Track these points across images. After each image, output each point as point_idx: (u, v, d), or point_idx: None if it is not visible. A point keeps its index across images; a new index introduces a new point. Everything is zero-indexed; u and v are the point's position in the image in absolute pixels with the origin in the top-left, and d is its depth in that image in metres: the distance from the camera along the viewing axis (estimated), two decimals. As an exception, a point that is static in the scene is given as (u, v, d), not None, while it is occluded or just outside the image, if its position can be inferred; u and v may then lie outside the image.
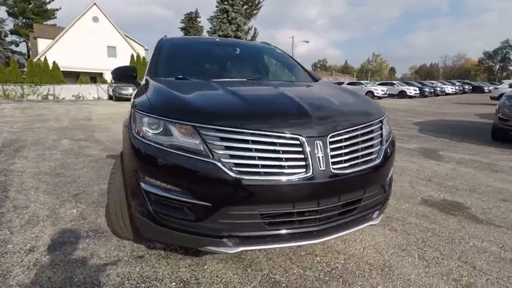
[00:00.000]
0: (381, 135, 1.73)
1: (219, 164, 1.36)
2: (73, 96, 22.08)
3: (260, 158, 1.40)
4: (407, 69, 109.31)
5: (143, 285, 1.63)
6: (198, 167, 1.38)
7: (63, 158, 4.34)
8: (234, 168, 1.36)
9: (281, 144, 1.43)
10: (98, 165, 3.96)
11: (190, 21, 40.84)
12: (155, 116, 1.51)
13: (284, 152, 1.42)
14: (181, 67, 2.58)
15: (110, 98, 21.60)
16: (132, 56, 23.79)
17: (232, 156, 1.39)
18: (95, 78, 27.63)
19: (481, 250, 2.01)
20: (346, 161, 1.51)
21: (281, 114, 1.53)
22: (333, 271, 1.77)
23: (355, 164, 1.53)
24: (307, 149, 1.43)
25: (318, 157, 1.44)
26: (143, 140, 1.50)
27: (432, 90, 26.49)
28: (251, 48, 3.27)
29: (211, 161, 1.37)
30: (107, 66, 26.05)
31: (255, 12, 36.63)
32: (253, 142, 1.41)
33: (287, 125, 1.46)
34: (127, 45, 29.45)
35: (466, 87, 31.79)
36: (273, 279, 1.68)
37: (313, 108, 1.58)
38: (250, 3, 35.56)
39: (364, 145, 1.61)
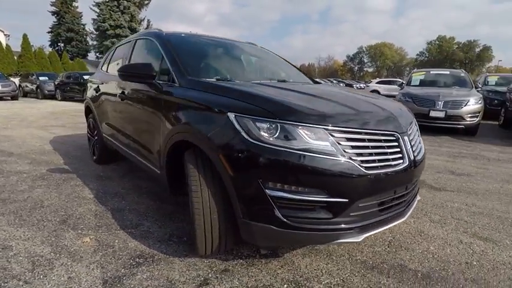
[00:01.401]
0: (417, 129, 2.16)
1: (352, 162, 1.48)
2: None
3: (375, 154, 1.59)
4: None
5: (257, 295, 1.58)
6: (334, 167, 1.45)
7: (-14, 179, 3.28)
8: (362, 165, 1.51)
9: (385, 141, 1.65)
10: (51, 183, 3.18)
11: (65, 5, 34.62)
12: (282, 121, 1.47)
13: (388, 147, 1.65)
14: (208, 67, 2.41)
15: (25, 95, 17.26)
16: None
17: (357, 154, 1.52)
18: None
19: (458, 208, 2.75)
20: (415, 150, 1.85)
21: (378, 115, 1.73)
22: (391, 243, 2.12)
23: (420, 152, 1.90)
24: (402, 143, 1.70)
25: (407, 149, 1.73)
26: (269, 146, 1.45)
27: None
28: (254, 48, 3.27)
29: (345, 160, 1.47)
30: None
31: (146, 2, 33.94)
32: (368, 140, 1.59)
33: (385, 124, 1.69)
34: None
35: (341, 84, 38.44)
36: (356, 258, 1.90)
37: (391, 109, 1.85)
38: (141, -8, 32.73)
39: (419, 137, 2.00)
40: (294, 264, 1.85)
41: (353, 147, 1.52)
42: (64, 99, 15.49)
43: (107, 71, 3.60)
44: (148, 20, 32.06)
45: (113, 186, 3.15)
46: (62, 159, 4.12)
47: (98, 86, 3.54)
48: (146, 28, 30.41)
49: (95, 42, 29.31)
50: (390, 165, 1.62)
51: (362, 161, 1.52)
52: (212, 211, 1.66)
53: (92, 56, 36.40)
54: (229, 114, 1.58)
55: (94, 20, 26.92)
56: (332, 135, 1.49)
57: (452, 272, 1.81)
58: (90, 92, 3.90)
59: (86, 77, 14.65)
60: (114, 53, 3.58)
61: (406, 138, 1.74)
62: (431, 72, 7.94)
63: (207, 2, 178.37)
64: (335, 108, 1.67)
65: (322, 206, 1.49)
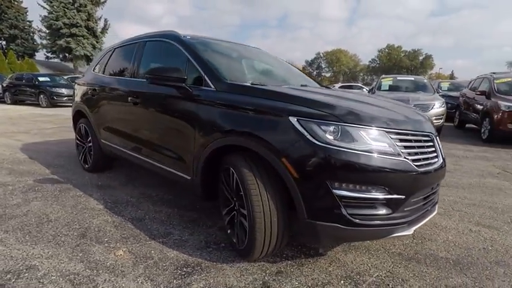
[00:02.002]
0: None
1: (407, 161, 1.61)
2: None
3: (420, 153, 1.73)
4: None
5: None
6: (394, 166, 1.56)
7: (-36, 194, 2.89)
8: (413, 163, 1.64)
9: (425, 141, 1.81)
10: (47, 195, 2.90)
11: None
12: (346, 124, 1.55)
13: (427, 146, 1.81)
14: (235, 71, 2.40)
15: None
16: None
17: (409, 154, 1.65)
18: None
19: (454, 201, 3.07)
20: (441, 149, 2.05)
21: (416, 119, 1.89)
22: (415, 236, 2.30)
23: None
24: (436, 143, 1.88)
25: (440, 148, 1.92)
26: (335, 148, 1.52)
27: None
28: (265, 53, 3.30)
29: (402, 159, 1.59)
30: None
31: (102, 0, 31.99)
32: (414, 141, 1.73)
33: (423, 126, 1.85)
34: None
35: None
36: (392, 251, 2.04)
37: (422, 114, 2.03)
38: (97, -11, 30.75)
39: None
40: (340, 261, 1.93)
41: (405, 147, 1.65)
42: (14, 102, 14.01)
43: (103, 74, 3.39)
44: (105, 19, 30.31)
45: (119, 195, 2.97)
46: (46, 169, 3.76)
47: (95, 89, 3.31)
48: (104, 28, 28.71)
49: (44, 41, 26.85)
50: (431, 163, 1.78)
51: (413, 160, 1.65)
52: (272, 214, 1.68)
53: (40, 55, 33.36)
54: (290, 118, 1.62)
55: (45, 17, 24.66)
56: (390, 137, 1.60)
57: (476, 256, 2.03)
58: (81, 96, 3.62)
59: (41, 78, 13.45)
60: (112, 55, 3.38)
61: (437, 138, 1.93)
62: (397, 78, 8.64)
63: (165, 3, 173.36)
64: (386, 112, 1.79)
65: (382, 203, 1.59)
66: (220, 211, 2.17)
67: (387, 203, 1.60)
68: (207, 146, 2.00)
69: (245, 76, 2.45)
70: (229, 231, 2.06)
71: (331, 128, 1.56)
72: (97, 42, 26.95)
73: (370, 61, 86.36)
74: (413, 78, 8.55)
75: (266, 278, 1.75)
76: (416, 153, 1.70)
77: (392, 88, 8.23)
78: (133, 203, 2.79)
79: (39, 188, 3.11)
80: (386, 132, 1.60)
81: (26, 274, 1.72)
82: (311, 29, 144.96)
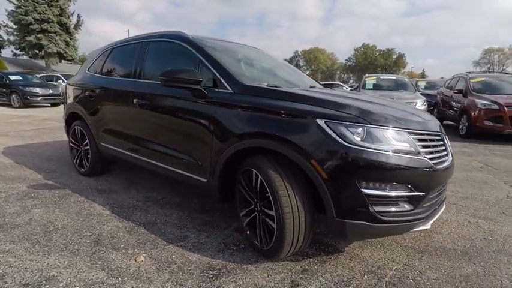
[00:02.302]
0: None
1: (426, 159, 1.70)
2: None
3: (435, 152, 1.84)
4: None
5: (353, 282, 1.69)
6: (416, 164, 1.65)
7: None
8: (431, 161, 1.74)
9: (437, 140, 1.92)
10: (46, 201, 2.78)
11: (-33, -8, 29.13)
12: (373, 126, 1.62)
13: (439, 145, 1.92)
14: (248, 73, 2.40)
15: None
16: None
17: (426, 152, 1.75)
18: None
19: (449, 195, 3.25)
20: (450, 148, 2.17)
21: (428, 119, 1.99)
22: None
23: None
24: (446, 142, 2.00)
25: (449, 146, 2.04)
26: (363, 149, 1.58)
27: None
28: (267, 54, 3.31)
29: (422, 158, 1.69)
30: None
31: (75, -6, 30.50)
32: (429, 140, 1.83)
33: (434, 126, 1.96)
34: None
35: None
36: (404, 245, 2.15)
37: (431, 115, 2.14)
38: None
39: None
40: (359, 257, 2.01)
41: (423, 146, 1.75)
42: (-18, 103, 13.11)
43: (101, 74, 3.27)
44: (78, 14, 28.92)
45: (123, 199, 2.89)
46: (38, 174, 3.59)
47: (93, 91, 3.20)
48: (77, 24, 27.41)
49: (11, 37, 25.23)
50: (444, 161, 1.89)
51: (430, 158, 1.75)
52: (300, 215, 1.72)
53: (7, 52, 31.36)
54: (318, 120, 1.66)
55: (12, 11, 23.12)
56: (411, 138, 1.69)
57: (480, 246, 2.18)
58: (76, 97, 3.48)
59: (12, 77, 12.69)
60: (109, 55, 3.27)
61: (446, 137, 2.05)
62: (381, 77, 8.97)
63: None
64: (404, 114, 1.87)
65: (405, 200, 1.68)
66: (236, 212, 2.19)
67: (409, 200, 1.68)
68: (227, 149, 2.00)
69: (258, 78, 2.46)
70: (248, 232, 2.07)
71: (359, 130, 1.62)
72: (70, 39, 25.67)
73: (346, 59, 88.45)
74: (395, 77, 8.91)
75: (293, 276, 1.79)
76: (431, 152, 1.80)
77: (376, 87, 8.53)
78: (140, 207, 2.73)
79: (36, 194, 2.97)
80: (408, 132, 1.69)
81: (47, 286, 1.66)
82: (289, 27, 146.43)
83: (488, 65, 59.75)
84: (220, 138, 2.05)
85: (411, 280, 1.78)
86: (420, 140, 1.75)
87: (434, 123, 1.99)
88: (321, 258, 1.98)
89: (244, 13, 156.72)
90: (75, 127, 3.51)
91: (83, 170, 3.51)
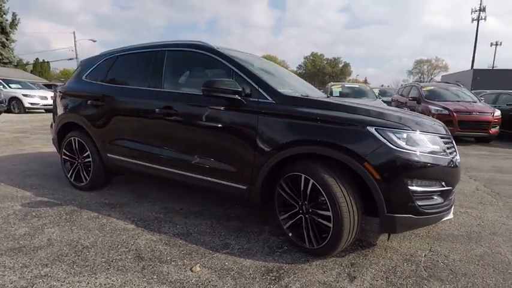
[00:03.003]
0: None
1: (451, 158, 2.01)
2: None
3: (453, 151, 2.17)
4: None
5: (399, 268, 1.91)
6: (447, 163, 1.95)
7: None
8: (453, 160, 2.06)
9: (450, 142, 2.26)
10: (55, 220, 2.56)
11: None
12: (416, 132, 1.88)
13: (452, 146, 2.27)
14: (276, 83, 2.51)
15: None
16: None
17: (449, 153, 2.07)
18: None
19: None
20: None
21: (440, 124, 2.32)
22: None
23: None
24: (454, 143, 2.36)
25: (456, 147, 2.41)
26: (409, 151, 1.82)
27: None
28: (274, 64, 3.45)
29: (448, 157, 1.99)
30: None
31: (8, -10, 27.31)
32: (446, 142, 2.16)
33: (446, 130, 2.30)
34: None
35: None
36: (421, 235, 2.46)
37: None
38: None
39: None
40: (392, 248, 2.25)
41: (447, 148, 2.06)
42: None
43: (107, 82, 3.11)
44: (14, 13, 25.87)
45: (140, 212, 2.79)
46: (26, 191, 3.25)
47: (98, 99, 3.03)
48: (12, 23, 24.51)
49: None
50: (457, 160, 2.23)
51: (452, 157, 2.07)
52: (355, 214, 1.90)
53: None
54: (368, 128, 1.87)
55: None
56: (440, 140, 1.99)
57: (478, 231, 2.59)
58: (73, 106, 3.25)
59: None
60: (115, 62, 3.13)
61: (452, 138, 2.41)
62: (345, 85, 9.69)
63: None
64: (428, 121, 2.17)
65: (438, 194, 1.96)
66: (263, 217, 2.31)
67: (441, 194, 1.97)
68: (273, 156, 2.11)
69: (287, 87, 2.60)
70: (290, 234, 2.19)
71: (404, 135, 1.87)
72: (7, 39, 22.83)
73: (297, 67, 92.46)
74: (358, 86, 9.71)
75: (346, 270, 1.95)
76: (451, 152, 2.13)
77: (342, 94, 9.20)
78: (163, 218, 2.67)
79: (38, 213, 2.71)
80: (438, 136, 1.99)
81: (115, 305, 1.59)
82: (240, 35, 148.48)
83: (420, 75, 67.48)
84: (265, 146, 2.15)
85: (441, 263, 2.07)
86: (444, 143, 2.06)
87: (444, 127, 2.33)
88: (361, 253, 2.18)
89: (195, 18, 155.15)
90: (72, 138, 3.27)
91: (81, 184, 3.27)
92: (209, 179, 2.44)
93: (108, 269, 1.91)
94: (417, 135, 1.91)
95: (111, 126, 2.98)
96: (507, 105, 8.46)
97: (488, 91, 10.77)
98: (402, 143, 1.85)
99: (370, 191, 1.87)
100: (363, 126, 1.89)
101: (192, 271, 1.91)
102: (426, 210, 1.90)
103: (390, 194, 1.84)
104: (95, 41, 31.09)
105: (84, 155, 3.21)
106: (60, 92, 3.49)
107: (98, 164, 3.13)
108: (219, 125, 2.35)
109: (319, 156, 2.01)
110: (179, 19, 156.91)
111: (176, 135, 2.62)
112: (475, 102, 7.93)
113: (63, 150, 3.38)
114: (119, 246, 2.18)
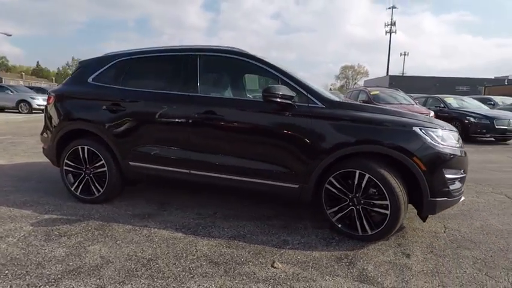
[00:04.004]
0: None
1: (463, 149, 2.51)
2: None
3: (461, 145, 2.68)
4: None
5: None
6: (462, 154, 2.43)
7: None
8: (464, 151, 2.57)
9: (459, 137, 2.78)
10: (88, 237, 2.35)
11: None
12: (447, 130, 2.32)
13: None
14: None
15: None
16: None
17: (461, 146, 2.57)
18: None
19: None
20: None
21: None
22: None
23: None
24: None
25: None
26: (445, 146, 2.25)
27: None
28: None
29: (462, 149, 2.48)
30: None
31: None
32: (458, 138, 2.66)
33: (453, 126, 2.83)
34: None
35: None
36: (430, 216, 2.96)
37: None
38: None
39: None
40: (418, 229, 2.67)
41: (459, 141, 2.56)
42: None
43: (125, 86, 2.91)
44: None
45: (177, 220, 2.71)
46: (24, 209, 2.83)
47: (119, 104, 2.82)
48: None
49: None
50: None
51: (463, 149, 2.57)
52: (405, 201, 2.24)
53: None
54: (414, 128, 2.24)
55: None
56: (456, 136, 2.47)
57: (469, 209, 3.21)
58: (84, 112, 2.96)
59: None
60: (133, 65, 2.95)
61: None
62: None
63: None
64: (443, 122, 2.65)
65: (459, 180, 2.44)
66: (299, 213, 2.59)
67: (461, 180, 2.45)
68: (328, 155, 2.33)
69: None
70: (340, 225, 2.45)
71: (439, 133, 2.29)
72: None
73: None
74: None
75: (398, 250, 2.28)
76: (462, 146, 2.64)
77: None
78: (207, 224, 2.65)
79: (61, 231, 2.42)
80: (456, 133, 2.47)
81: (229, 307, 1.62)
82: (174, 35, 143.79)
83: (345, 79, 74.92)
84: (320, 147, 2.36)
85: (459, 236, 2.56)
86: (458, 138, 2.56)
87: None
88: (399, 235, 2.53)
89: (123, 15, 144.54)
90: (79, 147, 2.96)
91: (91, 197, 2.98)
92: (260, 181, 2.54)
93: (192, 276, 1.89)
94: (445, 132, 2.35)
95: (136, 133, 2.82)
96: (435, 107, 10.19)
97: (417, 95, 12.72)
98: (439, 139, 2.27)
99: (414, 181, 2.24)
100: (410, 127, 2.26)
101: (274, 267, 2.01)
102: (454, 193, 2.35)
103: (433, 182, 2.24)
104: (10, 35, 26.64)
105: (97, 165, 2.94)
106: (57, 95, 3.12)
107: (115, 174, 2.91)
108: (273, 129, 2.48)
109: (370, 153, 2.31)
110: (103, 15, 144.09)
111: (223, 140, 2.64)
112: (412, 104, 9.35)
113: (65, 160, 3.03)
114: (185, 255, 2.14)
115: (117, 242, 2.28)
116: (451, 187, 2.32)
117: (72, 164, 3.03)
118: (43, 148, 3.33)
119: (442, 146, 2.26)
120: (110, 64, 3.04)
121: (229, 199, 3.23)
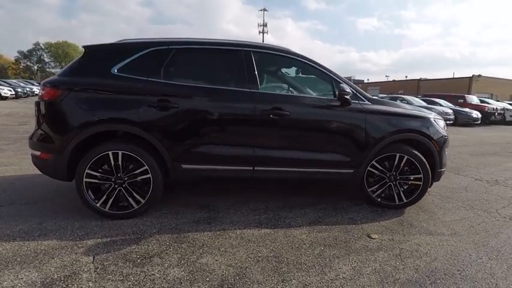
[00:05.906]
0: None
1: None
2: None
3: (430, 131, 3.73)
4: None
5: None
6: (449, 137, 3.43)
7: None
8: (437, 136, 3.60)
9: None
10: (166, 261, 2.09)
11: None
12: (443, 119, 3.20)
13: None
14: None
15: None
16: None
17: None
18: None
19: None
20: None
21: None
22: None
23: None
24: None
25: None
26: (445, 132, 3.14)
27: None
28: None
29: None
30: None
31: None
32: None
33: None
34: None
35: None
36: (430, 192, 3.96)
37: None
38: None
39: None
40: (428, 211, 3.55)
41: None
42: None
43: (165, 80, 2.53)
44: None
45: (244, 220, 2.65)
46: (61, 237, 2.13)
47: (170, 101, 2.45)
48: None
49: None
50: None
51: (439, 134, 3.59)
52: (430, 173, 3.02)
53: None
54: (431, 118, 3.03)
55: None
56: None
57: (460, 189, 4.39)
58: (119, 110, 2.41)
59: None
60: (172, 57, 2.56)
61: None
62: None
63: None
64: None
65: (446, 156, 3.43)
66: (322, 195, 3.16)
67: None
68: (378, 143, 2.85)
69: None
70: (379, 199, 3.04)
71: (442, 122, 3.17)
72: None
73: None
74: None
75: (420, 215, 3.05)
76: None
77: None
78: (278, 217, 2.73)
79: (137, 254, 2.03)
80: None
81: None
82: (13, 10, 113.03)
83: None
84: (372, 137, 2.84)
85: (454, 196, 3.59)
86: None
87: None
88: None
89: None
90: (110, 152, 2.40)
91: (127, 211, 2.50)
92: (321, 170, 2.82)
93: (330, 261, 2.05)
94: (442, 121, 3.27)
95: (192, 132, 2.54)
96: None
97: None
98: (442, 126, 3.15)
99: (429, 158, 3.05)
100: (428, 117, 3.04)
101: (372, 238, 2.40)
102: (446, 166, 3.32)
103: (441, 157, 3.10)
104: None
105: (136, 172, 2.48)
106: (66, 89, 2.38)
107: (161, 180, 2.55)
108: (338, 124, 2.81)
109: (403, 140, 2.98)
110: None
111: (291, 136, 2.74)
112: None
113: (86, 170, 2.41)
114: (297, 245, 2.23)
115: (221, 250, 2.13)
116: (446, 161, 3.27)
117: (98, 174, 2.44)
118: (37, 158, 2.48)
119: (443, 131, 3.15)
120: (141, 54, 2.56)
121: (268, 190, 3.32)
